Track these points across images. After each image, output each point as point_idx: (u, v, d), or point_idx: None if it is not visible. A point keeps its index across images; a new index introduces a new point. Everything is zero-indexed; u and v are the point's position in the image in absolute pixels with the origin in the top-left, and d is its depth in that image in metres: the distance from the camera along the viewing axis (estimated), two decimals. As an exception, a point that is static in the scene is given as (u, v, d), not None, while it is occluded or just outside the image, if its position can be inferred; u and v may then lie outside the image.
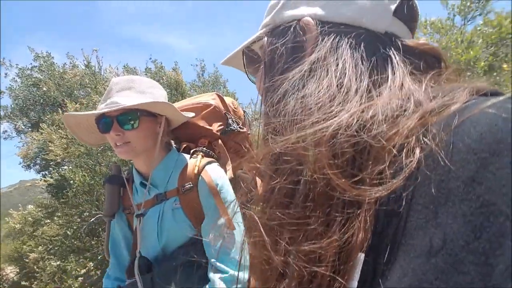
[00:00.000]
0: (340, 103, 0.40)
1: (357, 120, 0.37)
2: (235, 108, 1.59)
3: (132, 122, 1.17)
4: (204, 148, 1.35)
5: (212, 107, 1.44)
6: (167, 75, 5.47)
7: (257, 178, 1.61)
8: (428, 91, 0.38)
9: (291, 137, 0.40)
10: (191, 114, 1.28)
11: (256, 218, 0.43)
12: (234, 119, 1.53)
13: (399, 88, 0.40)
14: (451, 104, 0.33)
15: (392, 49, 0.45)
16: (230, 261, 1.16)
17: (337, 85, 0.42)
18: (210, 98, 1.49)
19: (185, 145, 1.43)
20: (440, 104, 0.34)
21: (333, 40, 0.46)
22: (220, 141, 1.43)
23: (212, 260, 1.16)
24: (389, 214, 0.33)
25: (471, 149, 0.28)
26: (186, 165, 1.27)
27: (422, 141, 0.32)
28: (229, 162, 1.41)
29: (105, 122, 1.17)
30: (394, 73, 0.42)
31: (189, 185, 1.23)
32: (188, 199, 1.22)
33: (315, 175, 0.37)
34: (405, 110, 0.36)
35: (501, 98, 0.30)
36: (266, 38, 0.53)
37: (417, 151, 0.32)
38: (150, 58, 6.26)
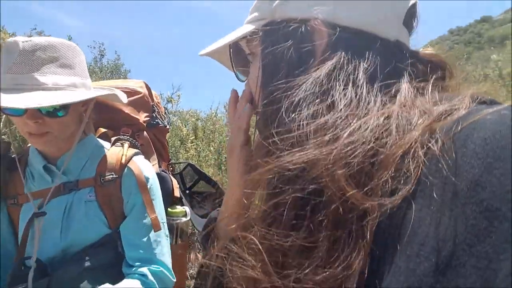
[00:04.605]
0: (360, 117, 0.39)
1: (374, 135, 0.37)
2: (158, 102, 1.49)
3: (57, 109, 0.95)
4: (130, 138, 1.21)
5: (141, 95, 1.32)
6: None
7: (173, 179, 1.52)
8: (433, 97, 0.40)
9: (310, 152, 0.38)
10: (124, 98, 1.13)
11: (257, 241, 0.40)
12: (159, 113, 1.44)
13: (409, 102, 0.40)
14: (454, 110, 0.34)
15: (402, 60, 0.45)
16: (157, 263, 1.06)
17: (356, 99, 0.40)
18: (137, 85, 1.37)
19: (102, 132, 1.25)
20: (443, 110, 0.35)
21: (348, 49, 0.43)
22: (145, 133, 1.31)
23: (137, 264, 1.04)
24: (392, 216, 0.33)
25: (475, 154, 0.28)
26: (108, 154, 1.11)
27: (426, 146, 0.33)
28: (154, 156, 1.31)
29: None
30: (404, 86, 0.42)
31: (111, 176, 1.07)
32: (106, 191, 1.06)
33: (331, 191, 0.36)
34: (412, 123, 0.37)
35: (503, 105, 0.32)
36: (264, 35, 0.49)
37: (421, 155, 0.33)
38: (35, 29, 5.21)
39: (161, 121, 1.40)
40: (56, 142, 1.02)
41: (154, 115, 1.38)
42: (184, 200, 1.41)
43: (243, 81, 0.59)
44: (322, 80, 0.42)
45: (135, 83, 1.37)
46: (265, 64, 0.48)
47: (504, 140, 0.28)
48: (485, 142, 0.28)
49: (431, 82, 0.43)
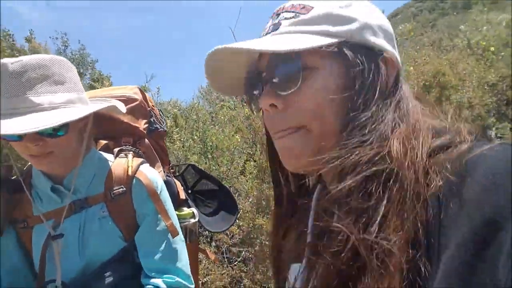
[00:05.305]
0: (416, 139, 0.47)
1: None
2: (153, 105, 1.47)
3: (57, 129, 0.92)
4: (133, 148, 1.20)
5: (137, 101, 1.30)
6: (32, 49, 4.40)
7: (177, 181, 1.53)
8: (433, 125, 0.49)
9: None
10: (124, 108, 1.11)
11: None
12: (156, 117, 1.43)
13: (421, 125, 0.49)
14: (456, 143, 0.45)
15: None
16: (175, 271, 1.08)
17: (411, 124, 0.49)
18: (132, 91, 1.34)
19: (103, 144, 1.24)
20: (446, 143, 0.45)
21: (403, 81, 0.53)
22: (146, 140, 1.30)
23: (153, 274, 1.06)
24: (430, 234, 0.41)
25: (477, 181, 0.38)
26: (113, 166, 1.11)
27: (442, 174, 0.42)
28: (159, 163, 1.30)
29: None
30: (412, 107, 0.52)
31: (120, 189, 1.07)
32: (118, 205, 1.07)
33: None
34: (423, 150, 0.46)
35: (496, 143, 0.42)
36: (351, 54, 0.50)
37: (439, 181, 0.42)
38: None
39: (160, 125, 1.39)
40: (59, 162, 1.00)
41: (152, 120, 1.37)
42: (189, 201, 1.43)
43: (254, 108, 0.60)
44: (396, 107, 0.50)
45: (130, 90, 1.34)
46: (361, 84, 0.50)
47: (496, 170, 0.37)
48: (483, 172, 0.38)
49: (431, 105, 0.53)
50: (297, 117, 0.52)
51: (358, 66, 0.50)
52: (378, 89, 0.50)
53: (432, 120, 0.51)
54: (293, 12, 0.53)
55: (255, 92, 0.57)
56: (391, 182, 0.43)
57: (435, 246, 0.39)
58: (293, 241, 0.67)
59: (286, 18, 0.53)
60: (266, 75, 0.54)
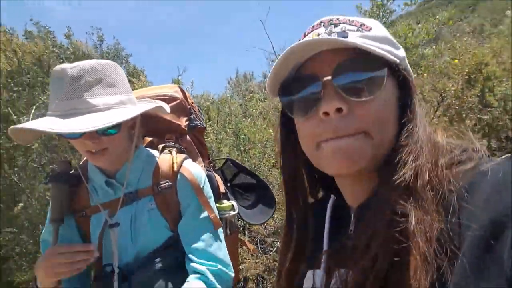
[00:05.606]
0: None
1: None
2: (192, 102, 1.53)
3: (110, 127, 1.00)
4: (176, 144, 1.27)
5: (178, 100, 1.37)
6: (74, 45, 4.64)
7: (216, 175, 1.58)
8: (446, 142, 0.56)
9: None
10: (168, 108, 1.18)
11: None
12: (196, 114, 1.49)
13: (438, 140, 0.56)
14: (467, 160, 0.52)
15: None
16: (217, 260, 1.14)
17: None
18: (173, 90, 1.41)
19: (149, 140, 1.32)
20: (459, 159, 0.52)
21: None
22: (188, 136, 1.37)
23: (197, 260, 1.12)
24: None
25: (480, 190, 0.46)
26: (159, 162, 1.18)
27: (456, 184, 0.49)
28: (200, 158, 1.37)
29: None
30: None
31: (166, 183, 1.15)
32: (164, 198, 1.15)
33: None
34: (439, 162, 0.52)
35: (497, 160, 0.49)
36: (404, 75, 0.56)
37: (453, 189, 0.48)
38: (31, 20, 5.18)
39: (199, 122, 1.46)
40: (113, 158, 1.09)
41: (192, 117, 1.43)
42: (229, 194, 1.49)
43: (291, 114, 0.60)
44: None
45: (171, 89, 1.41)
46: (401, 102, 0.57)
47: (498, 181, 0.45)
48: (487, 183, 0.45)
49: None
50: (362, 123, 0.52)
51: (407, 87, 0.57)
52: (415, 107, 0.56)
53: (436, 136, 0.57)
54: (354, 26, 0.55)
55: (307, 95, 0.55)
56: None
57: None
58: (308, 250, 0.70)
59: (350, 30, 0.54)
60: (334, 78, 0.52)
